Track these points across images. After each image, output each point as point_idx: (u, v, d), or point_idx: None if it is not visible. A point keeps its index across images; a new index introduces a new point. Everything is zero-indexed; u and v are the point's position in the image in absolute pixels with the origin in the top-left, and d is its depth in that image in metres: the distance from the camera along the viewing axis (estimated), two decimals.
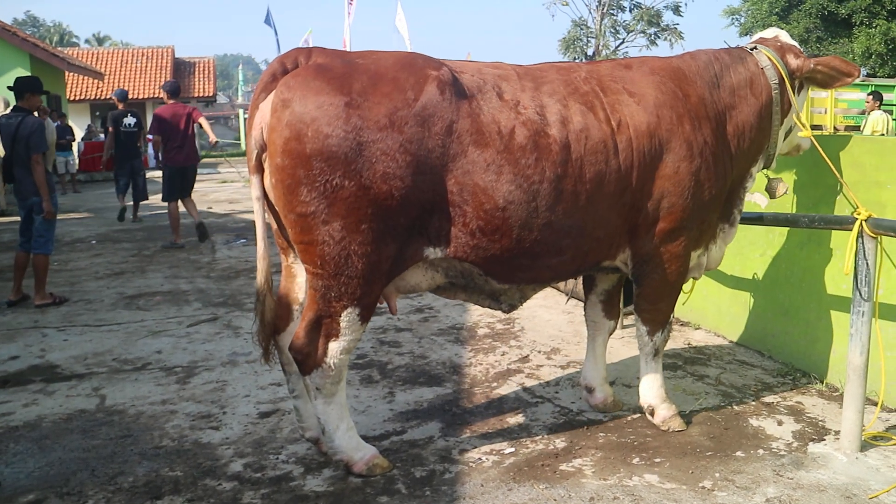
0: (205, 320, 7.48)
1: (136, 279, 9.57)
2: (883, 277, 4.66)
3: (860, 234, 4.06)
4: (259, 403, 5.23)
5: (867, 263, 4.05)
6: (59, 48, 36.83)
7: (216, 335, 6.93)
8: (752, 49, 4.61)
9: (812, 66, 4.55)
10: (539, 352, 6.17)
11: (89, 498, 3.99)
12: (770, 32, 4.84)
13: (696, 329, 6.70)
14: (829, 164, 4.56)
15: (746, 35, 35.61)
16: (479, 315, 7.32)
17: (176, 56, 40.53)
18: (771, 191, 4.89)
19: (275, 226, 4.06)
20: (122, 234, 13.39)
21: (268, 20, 30.25)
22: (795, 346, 5.57)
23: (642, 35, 33.25)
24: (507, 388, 5.34)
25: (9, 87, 8.36)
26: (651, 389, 4.57)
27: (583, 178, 3.90)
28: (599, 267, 4.38)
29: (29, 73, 22.08)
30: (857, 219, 4.07)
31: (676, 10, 32.79)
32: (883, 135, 13.31)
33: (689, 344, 6.28)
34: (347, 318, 3.80)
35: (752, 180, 4.69)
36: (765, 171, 4.83)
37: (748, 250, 6.01)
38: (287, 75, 3.71)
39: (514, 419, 4.81)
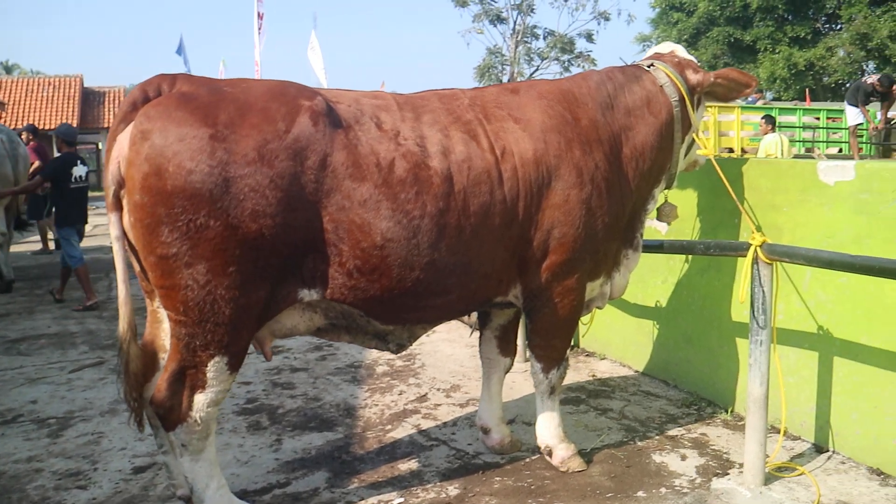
0: (89, 365, 6.97)
1: (23, 321, 8.95)
2: (782, 302, 4.55)
3: (755, 261, 3.90)
4: (135, 457, 4.79)
5: (763, 291, 3.89)
6: None
7: (99, 381, 6.43)
8: (649, 66, 4.45)
9: (712, 79, 4.42)
10: (438, 389, 5.88)
11: None
12: (665, 47, 4.69)
13: (602, 359, 6.51)
14: (728, 187, 4.44)
15: None
16: (379, 352, 6.99)
17: (85, 85, 39.35)
18: (663, 216, 4.74)
19: (137, 267, 3.70)
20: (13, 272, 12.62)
21: (179, 50, 29.61)
22: (699, 375, 5.42)
23: (556, 62, 33.64)
24: (402, 431, 5.03)
25: None
26: (548, 429, 4.32)
27: (466, 211, 3.65)
28: (492, 303, 4.13)
29: None
30: (751, 245, 3.90)
31: (589, 37, 33.30)
32: (777, 158, 13.49)
33: (593, 376, 6.08)
34: (215, 367, 3.46)
35: (654, 202, 4.52)
36: (664, 192, 4.67)
37: (649, 277, 5.86)
38: (147, 104, 3.37)
39: (407, 465, 4.49)
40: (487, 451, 4.62)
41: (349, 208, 3.45)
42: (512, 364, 4.64)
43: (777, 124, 16.13)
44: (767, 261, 3.86)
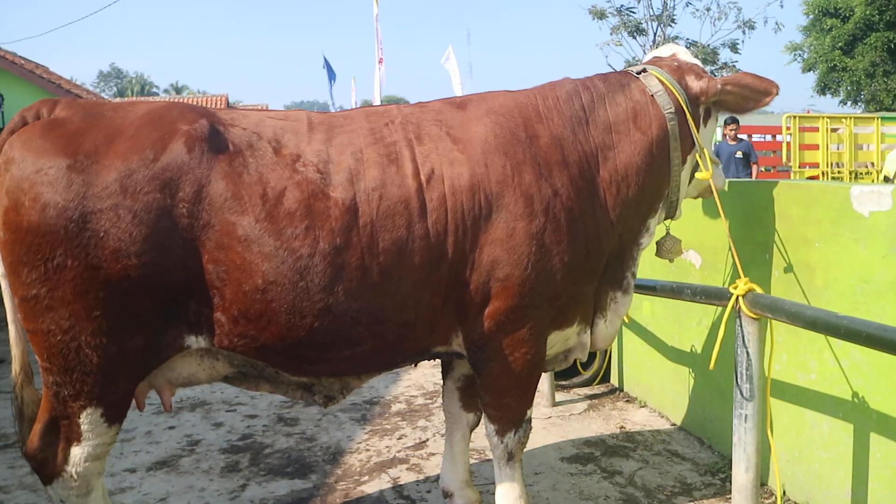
0: None
1: None
2: (814, 359, 3.70)
3: (737, 314, 3.11)
4: None
5: (748, 352, 3.09)
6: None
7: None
8: (640, 73, 3.73)
9: (720, 86, 3.65)
10: (442, 435, 5.28)
11: None
12: (666, 50, 3.94)
13: (641, 407, 5.68)
14: (724, 219, 3.65)
15: (809, 71, 33.93)
16: (408, 386, 6.48)
17: (230, 103, 41.02)
18: (663, 250, 3.96)
19: None
20: None
21: (329, 75, 30.32)
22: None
23: None
24: (376, 485, 4.48)
25: None
26: (507, 501, 3.64)
27: (374, 248, 3.07)
28: (432, 353, 3.52)
29: None
30: (732, 294, 3.12)
31: (734, 47, 31.03)
32: None
33: (622, 428, 5.28)
34: (89, 419, 3.08)
35: (649, 235, 3.76)
36: (665, 222, 3.90)
37: (685, 318, 5.03)
38: (14, 133, 3.04)
39: None
40: None
41: (228, 246, 2.97)
42: (478, 420, 3.99)
43: None
44: (753, 315, 3.06)
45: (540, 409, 5.63)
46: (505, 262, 3.22)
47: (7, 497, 4.50)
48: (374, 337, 3.19)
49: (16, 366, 3.33)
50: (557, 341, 3.60)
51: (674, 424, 5.29)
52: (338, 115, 3.43)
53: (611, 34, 32.40)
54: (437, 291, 3.22)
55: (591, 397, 5.94)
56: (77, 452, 3.13)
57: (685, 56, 3.84)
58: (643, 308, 5.53)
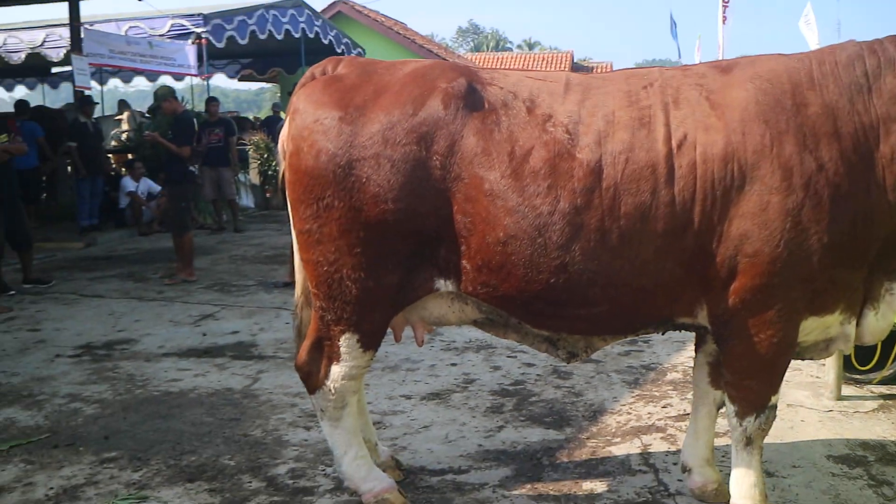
0: None
1: None
2: None
3: None
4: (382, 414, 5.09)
5: None
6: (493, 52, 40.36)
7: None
8: None
9: None
10: None
11: (149, 467, 4.36)
12: None
13: None
14: None
15: None
16: (690, 356, 6.25)
17: (574, 60, 41.32)
18: None
19: None
20: None
21: (673, 33, 29.78)
22: None
23: None
24: (624, 448, 4.54)
25: (289, 92, 9.14)
26: (741, 488, 3.49)
27: (615, 212, 3.12)
28: (675, 323, 3.48)
29: None
30: None
31: None
32: None
33: None
34: (346, 343, 3.58)
35: None
36: None
37: None
38: (303, 87, 3.57)
39: (591, 486, 4.08)
40: (689, 494, 3.96)
41: (475, 199, 3.23)
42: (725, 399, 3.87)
43: None
44: None
45: (822, 400, 5.26)
46: (755, 237, 3.10)
47: (303, 401, 5.23)
48: (610, 300, 3.27)
49: (298, 290, 3.93)
50: (815, 328, 3.38)
51: None
52: (597, 77, 3.52)
53: None
54: (681, 261, 3.20)
55: (886, 397, 5.39)
56: (336, 370, 3.63)
57: None
58: None
